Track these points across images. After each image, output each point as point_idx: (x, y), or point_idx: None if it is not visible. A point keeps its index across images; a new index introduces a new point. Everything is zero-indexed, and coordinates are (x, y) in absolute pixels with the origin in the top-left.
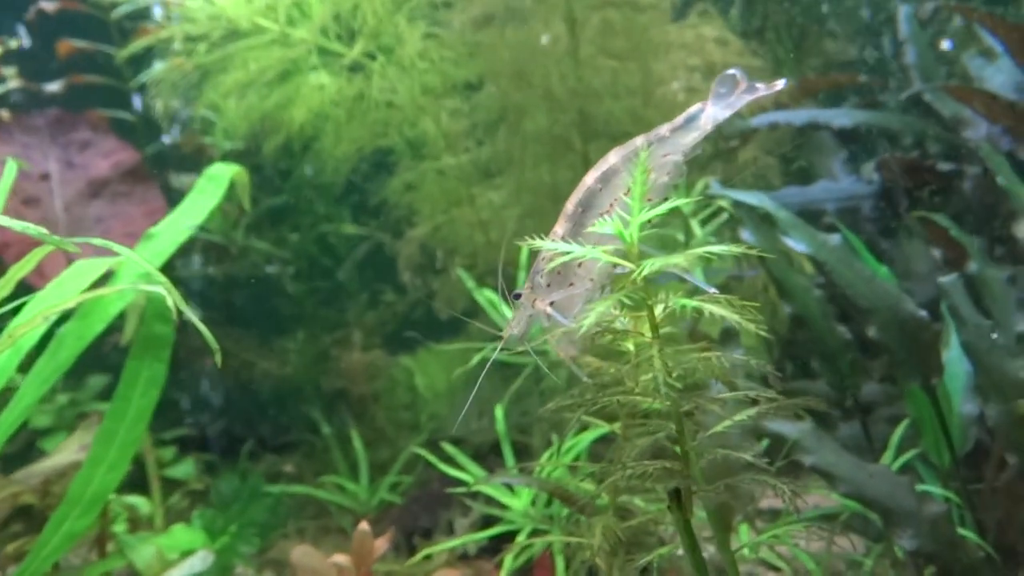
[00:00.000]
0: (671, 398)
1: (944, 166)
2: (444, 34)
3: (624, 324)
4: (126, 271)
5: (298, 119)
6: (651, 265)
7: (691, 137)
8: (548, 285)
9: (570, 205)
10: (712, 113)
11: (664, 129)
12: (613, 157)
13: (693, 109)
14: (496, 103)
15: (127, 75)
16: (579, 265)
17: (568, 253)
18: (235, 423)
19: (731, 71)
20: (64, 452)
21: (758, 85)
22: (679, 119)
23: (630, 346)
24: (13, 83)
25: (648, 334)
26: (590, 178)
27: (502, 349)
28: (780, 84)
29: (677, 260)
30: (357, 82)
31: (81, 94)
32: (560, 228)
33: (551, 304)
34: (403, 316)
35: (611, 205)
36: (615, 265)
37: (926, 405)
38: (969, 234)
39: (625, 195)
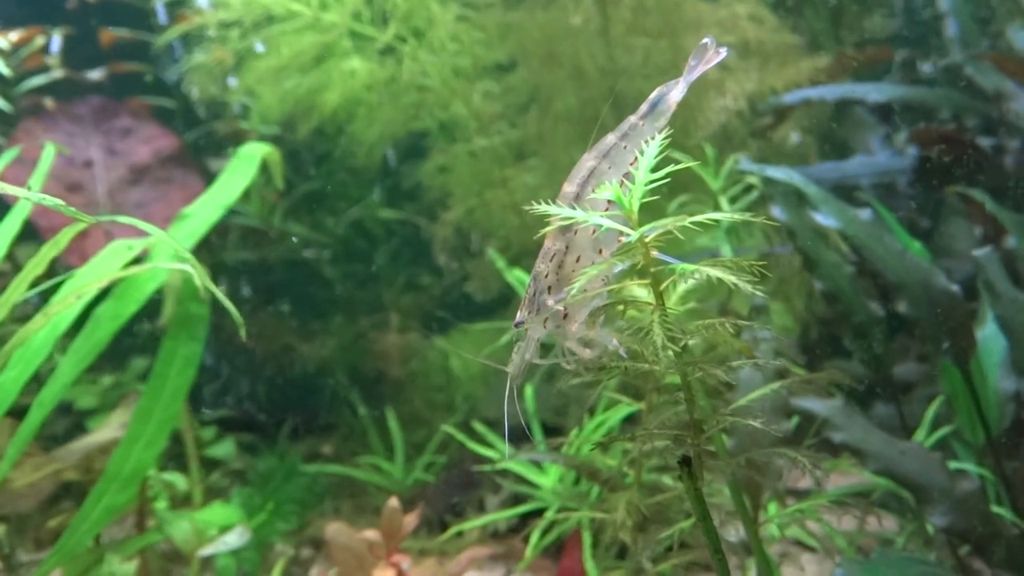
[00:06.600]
0: (672, 363)
1: (983, 140)
2: (475, 16)
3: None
4: (161, 251)
5: (331, 103)
6: (650, 227)
7: (662, 121)
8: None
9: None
10: (682, 90)
11: (634, 119)
12: (590, 160)
13: (655, 93)
14: (528, 84)
15: (166, 62)
16: (574, 268)
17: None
18: (274, 405)
19: (706, 40)
20: (105, 429)
21: (719, 49)
22: (644, 106)
23: (637, 316)
24: (57, 72)
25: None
26: (569, 187)
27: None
28: (724, 52)
29: (676, 222)
30: (389, 65)
31: (122, 82)
32: (550, 242)
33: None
34: (438, 298)
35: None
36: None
37: (960, 382)
38: (1009, 209)
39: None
